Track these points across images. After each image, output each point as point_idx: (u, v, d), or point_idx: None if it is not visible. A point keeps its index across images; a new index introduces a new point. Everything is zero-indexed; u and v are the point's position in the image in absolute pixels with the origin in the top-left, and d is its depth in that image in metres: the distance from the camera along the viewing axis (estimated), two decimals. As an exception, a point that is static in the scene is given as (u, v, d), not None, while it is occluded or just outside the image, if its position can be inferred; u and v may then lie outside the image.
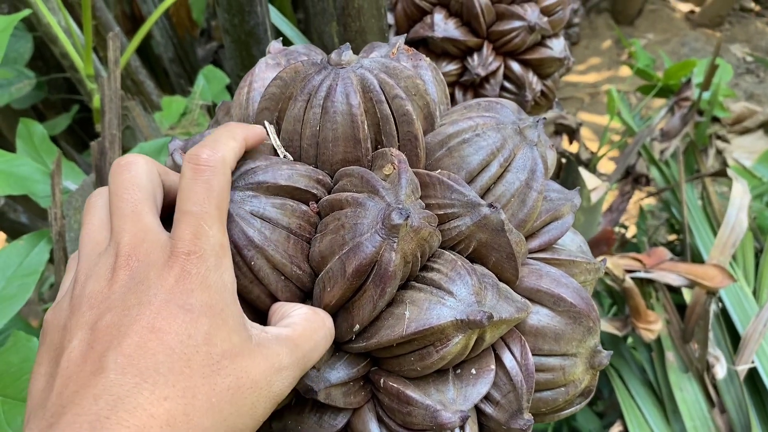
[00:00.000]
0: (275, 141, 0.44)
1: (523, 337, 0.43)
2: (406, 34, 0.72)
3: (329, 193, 0.42)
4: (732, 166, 2.31)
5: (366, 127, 0.41)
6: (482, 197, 0.42)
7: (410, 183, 0.40)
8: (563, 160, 1.50)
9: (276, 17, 1.08)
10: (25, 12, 0.93)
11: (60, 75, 1.89)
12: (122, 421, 0.29)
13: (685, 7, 3.01)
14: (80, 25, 1.21)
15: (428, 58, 0.49)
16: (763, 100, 2.64)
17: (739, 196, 1.38)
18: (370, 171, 0.40)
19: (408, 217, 0.36)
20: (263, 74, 0.45)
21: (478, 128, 0.44)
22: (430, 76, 0.45)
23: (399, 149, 0.42)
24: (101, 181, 0.83)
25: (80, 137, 2.09)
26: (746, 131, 2.38)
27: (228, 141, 0.38)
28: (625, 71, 2.67)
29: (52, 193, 0.79)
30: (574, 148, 1.76)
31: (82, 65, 1.18)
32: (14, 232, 1.55)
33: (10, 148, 0.99)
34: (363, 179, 0.40)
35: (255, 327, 0.36)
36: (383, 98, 0.42)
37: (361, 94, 0.41)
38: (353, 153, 0.42)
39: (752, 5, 2.98)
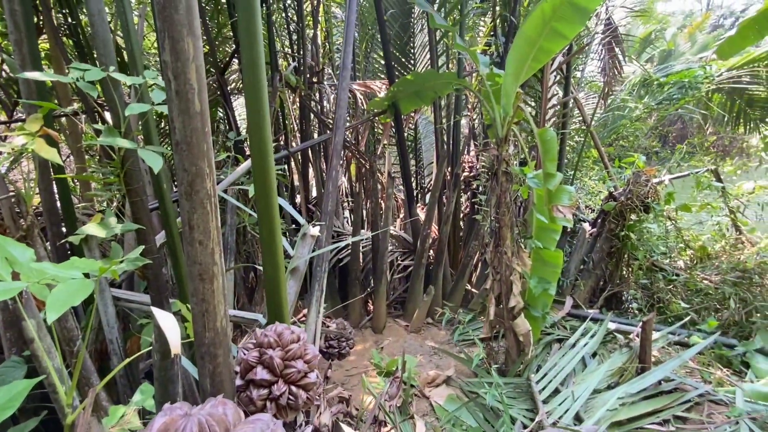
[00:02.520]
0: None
1: None
2: (242, 384, 0.91)
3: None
4: (435, 407, 2.49)
5: None
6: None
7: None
8: (340, 418, 1.60)
9: (188, 364, 1.17)
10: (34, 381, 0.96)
11: (42, 391, 1.64)
12: None
13: (403, 323, 3.47)
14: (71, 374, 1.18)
15: (232, 403, 0.69)
16: (442, 367, 2.91)
17: (421, 427, 1.58)
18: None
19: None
20: (160, 418, 0.60)
21: None
22: (231, 412, 0.63)
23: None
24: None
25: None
26: (437, 386, 2.66)
27: None
28: (371, 362, 2.87)
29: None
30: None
31: (64, 398, 1.13)
32: None
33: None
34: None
35: None
36: (207, 424, 0.60)
37: (198, 425, 0.59)
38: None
39: (431, 320, 3.52)
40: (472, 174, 3.64)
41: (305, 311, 1.90)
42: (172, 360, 0.94)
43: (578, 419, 2.23)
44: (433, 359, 3.09)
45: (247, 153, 3.30)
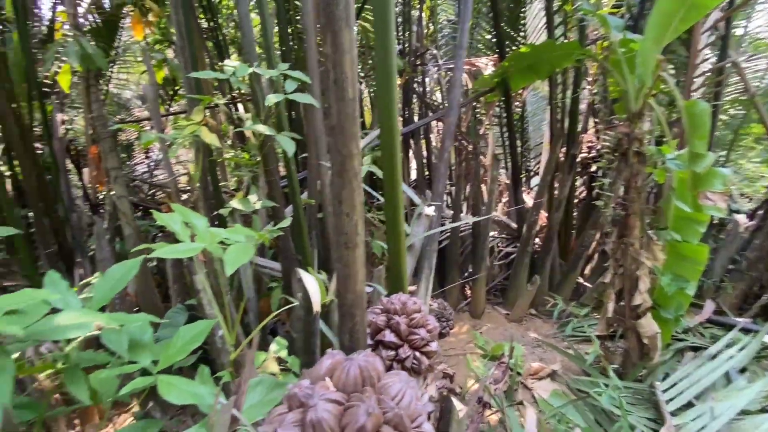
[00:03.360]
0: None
1: None
2: (372, 344, 1.02)
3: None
4: (539, 400, 2.41)
5: (361, 381, 0.68)
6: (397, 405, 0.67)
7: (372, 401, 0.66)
8: (445, 393, 1.66)
9: (328, 332, 1.32)
10: (212, 322, 1.20)
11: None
12: None
13: (503, 311, 3.39)
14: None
15: (379, 357, 0.78)
16: (547, 360, 2.80)
17: (532, 414, 1.56)
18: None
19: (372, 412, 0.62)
20: (327, 360, 0.73)
21: (394, 382, 0.69)
22: (379, 363, 0.72)
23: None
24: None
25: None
26: (540, 378, 2.56)
27: None
28: (475, 344, 2.88)
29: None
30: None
31: (229, 338, 1.41)
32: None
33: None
34: (358, 396, 0.66)
35: None
36: (365, 368, 0.70)
37: (358, 368, 0.70)
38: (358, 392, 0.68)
39: (535, 311, 3.37)
40: (591, 155, 3.31)
41: (412, 288, 2.00)
42: (314, 316, 1.09)
43: (718, 440, 1.95)
44: (536, 351, 2.97)
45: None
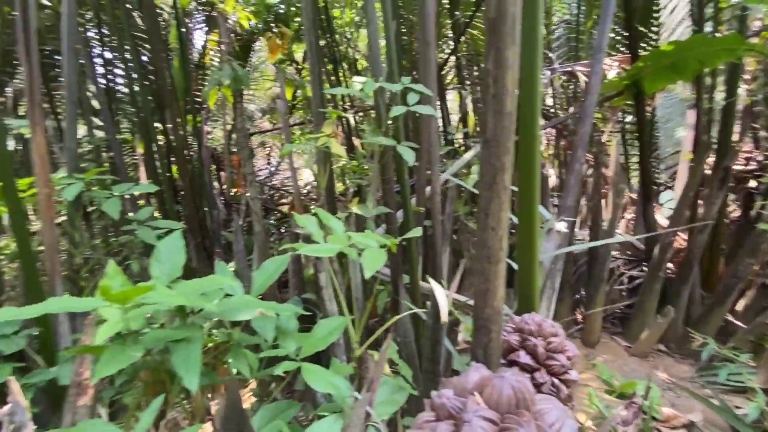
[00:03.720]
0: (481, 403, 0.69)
1: None
2: (504, 363, 0.98)
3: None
4: (672, 450, 2.07)
5: (515, 403, 0.66)
6: (556, 435, 0.64)
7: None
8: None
9: (448, 344, 1.33)
10: (347, 320, 1.29)
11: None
12: None
13: (623, 343, 3.02)
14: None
15: (525, 376, 0.75)
16: (680, 407, 2.43)
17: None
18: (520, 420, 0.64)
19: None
20: (474, 374, 0.72)
21: (550, 409, 0.66)
22: (530, 385, 0.69)
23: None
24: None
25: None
26: (674, 428, 2.19)
27: None
28: (599, 376, 2.60)
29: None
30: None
31: (354, 335, 1.51)
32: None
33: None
34: (514, 419, 0.64)
35: None
36: (519, 389, 0.68)
37: (511, 388, 0.68)
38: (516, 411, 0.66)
39: (665, 348, 2.94)
40: (749, 168, 2.78)
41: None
42: (441, 325, 1.10)
43: None
44: (665, 395, 2.57)
45: (455, 146, 3.47)
